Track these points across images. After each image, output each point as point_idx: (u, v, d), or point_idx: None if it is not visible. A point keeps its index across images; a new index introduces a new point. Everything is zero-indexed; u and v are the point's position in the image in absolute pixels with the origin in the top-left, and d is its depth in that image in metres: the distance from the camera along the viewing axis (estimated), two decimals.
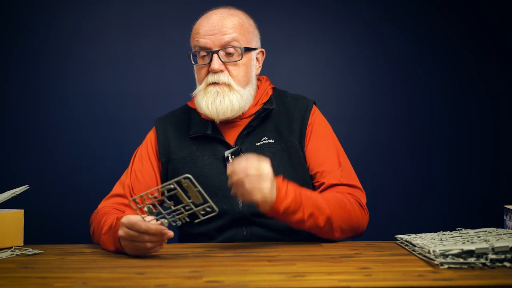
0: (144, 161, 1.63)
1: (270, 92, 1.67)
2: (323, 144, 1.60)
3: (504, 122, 2.81)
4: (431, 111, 2.81)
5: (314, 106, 1.66)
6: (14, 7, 2.71)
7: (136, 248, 1.27)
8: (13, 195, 1.46)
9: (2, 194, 1.46)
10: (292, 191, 1.36)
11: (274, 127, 1.60)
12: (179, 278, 1.06)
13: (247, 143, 1.58)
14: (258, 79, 1.68)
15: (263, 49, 1.65)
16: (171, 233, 1.25)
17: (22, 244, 1.43)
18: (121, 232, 1.27)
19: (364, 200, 1.56)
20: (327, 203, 1.43)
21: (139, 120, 2.49)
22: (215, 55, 1.52)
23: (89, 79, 2.74)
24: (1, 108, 2.71)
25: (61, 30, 2.74)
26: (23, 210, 1.44)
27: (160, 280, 1.04)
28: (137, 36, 2.76)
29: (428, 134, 2.81)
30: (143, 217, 1.24)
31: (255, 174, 1.27)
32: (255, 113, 1.61)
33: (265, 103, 1.63)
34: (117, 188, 1.62)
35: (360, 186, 1.58)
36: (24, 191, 1.47)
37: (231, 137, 1.60)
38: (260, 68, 1.66)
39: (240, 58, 1.53)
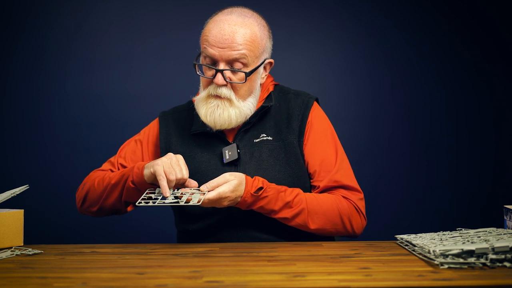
0: (138, 146, 1.70)
1: (271, 89, 1.67)
2: (321, 143, 1.60)
3: (504, 122, 2.81)
4: (431, 111, 2.81)
5: (315, 103, 1.65)
6: (14, 7, 2.71)
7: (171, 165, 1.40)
8: (13, 195, 1.46)
9: (2, 194, 1.46)
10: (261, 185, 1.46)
11: (273, 123, 1.60)
12: (179, 278, 1.06)
13: (245, 139, 1.59)
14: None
15: (272, 60, 1.63)
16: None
17: (22, 244, 1.43)
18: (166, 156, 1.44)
19: (361, 204, 1.56)
20: (305, 197, 1.50)
21: (139, 121, 2.48)
22: (219, 73, 1.51)
23: (89, 79, 2.74)
24: (1, 108, 2.72)
25: (61, 30, 2.74)
26: (23, 210, 1.44)
27: (160, 280, 1.04)
28: (137, 36, 2.76)
29: (428, 134, 2.80)
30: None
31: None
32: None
33: (264, 100, 1.63)
34: (105, 166, 1.72)
35: (357, 187, 1.57)
36: (24, 191, 1.47)
37: (231, 133, 1.61)
38: (266, 77, 1.64)
39: (244, 81, 1.53)
